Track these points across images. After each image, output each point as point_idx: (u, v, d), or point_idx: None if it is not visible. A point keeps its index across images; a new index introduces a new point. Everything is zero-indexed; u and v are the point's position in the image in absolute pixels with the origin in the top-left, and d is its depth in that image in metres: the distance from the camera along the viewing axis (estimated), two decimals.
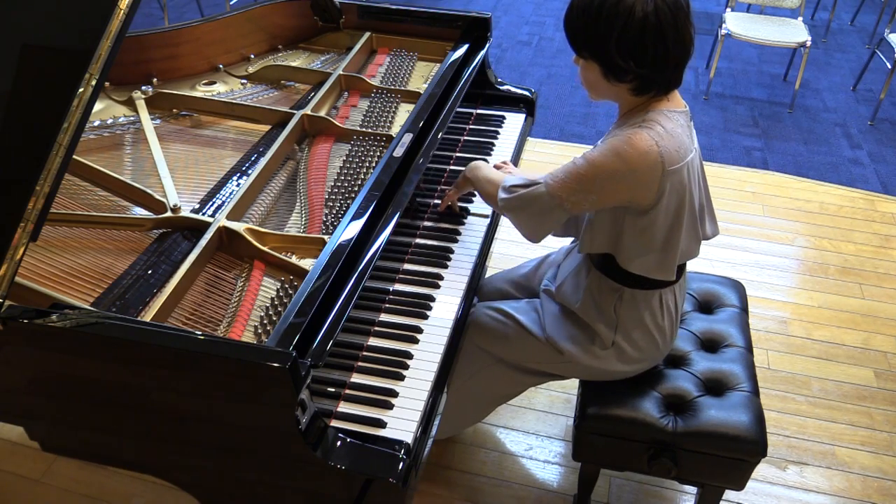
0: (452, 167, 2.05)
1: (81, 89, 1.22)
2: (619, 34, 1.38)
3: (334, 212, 1.66)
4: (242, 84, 2.13)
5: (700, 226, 1.61)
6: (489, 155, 2.10)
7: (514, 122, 2.26)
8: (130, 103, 1.99)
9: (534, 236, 1.62)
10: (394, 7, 2.30)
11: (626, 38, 1.38)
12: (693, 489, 2.07)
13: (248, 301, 1.45)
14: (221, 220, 1.57)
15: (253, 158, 1.84)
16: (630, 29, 1.37)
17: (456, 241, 1.80)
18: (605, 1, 1.38)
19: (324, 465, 1.24)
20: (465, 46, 2.14)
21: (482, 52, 2.16)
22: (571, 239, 1.85)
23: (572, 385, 2.37)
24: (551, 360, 1.75)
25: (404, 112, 2.04)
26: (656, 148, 1.42)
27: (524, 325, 1.76)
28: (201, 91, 2.07)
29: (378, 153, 1.84)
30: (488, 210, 1.91)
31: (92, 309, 1.36)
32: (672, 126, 1.47)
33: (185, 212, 1.62)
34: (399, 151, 1.70)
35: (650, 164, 1.43)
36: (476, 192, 1.85)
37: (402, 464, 1.26)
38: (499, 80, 2.33)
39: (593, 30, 1.41)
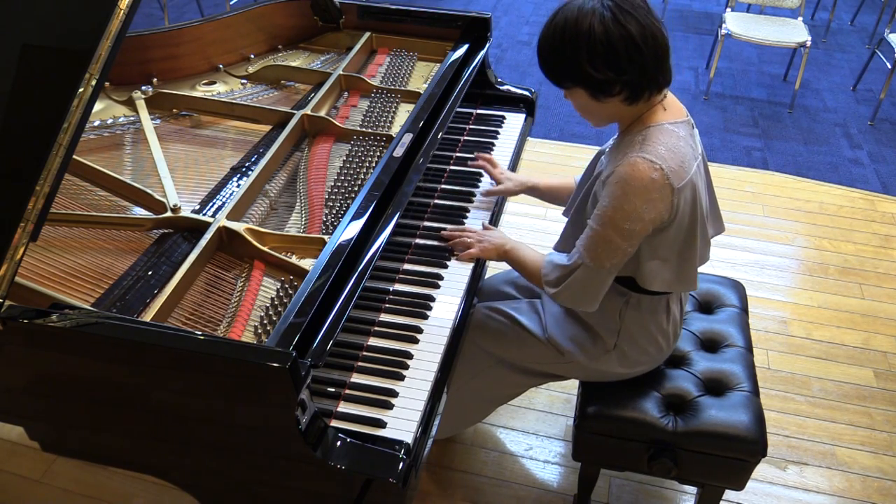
0: (452, 167, 2.05)
1: (81, 89, 1.22)
2: (587, 54, 1.38)
3: (334, 212, 1.66)
4: (242, 84, 2.13)
5: (707, 228, 1.61)
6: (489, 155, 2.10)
7: (514, 122, 2.26)
8: (130, 103, 1.99)
9: (595, 306, 1.59)
10: (394, 7, 2.30)
11: (595, 54, 1.38)
12: (693, 489, 2.07)
13: (248, 301, 1.45)
14: (221, 220, 1.57)
15: (253, 159, 1.84)
16: (596, 44, 1.37)
17: None
18: (564, 29, 1.39)
19: (324, 465, 1.24)
20: (465, 46, 2.14)
21: (482, 52, 2.16)
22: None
23: (572, 385, 2.37)
24: (552, 360, 1.75)
25: (404, 112, 2.04)
26: (661, 171, 1.41)
27: (525, 325, 1.76)
28: (201, 91, 2.07)
29: (378, 153, 1.84)
30: (489, 210, 1.91)
31: (92, 309, 1.35)
32: (673, 142, 1.45)
33: (186, 212, 1.62)
34: (399, 151, 1.70)
35: (659, 188, 1.42)
36: (474, 193, 1.86)
37: (402, 464, 1.26)
38: (499, 80, 2.33)
39: (562, 58, 1.41)
